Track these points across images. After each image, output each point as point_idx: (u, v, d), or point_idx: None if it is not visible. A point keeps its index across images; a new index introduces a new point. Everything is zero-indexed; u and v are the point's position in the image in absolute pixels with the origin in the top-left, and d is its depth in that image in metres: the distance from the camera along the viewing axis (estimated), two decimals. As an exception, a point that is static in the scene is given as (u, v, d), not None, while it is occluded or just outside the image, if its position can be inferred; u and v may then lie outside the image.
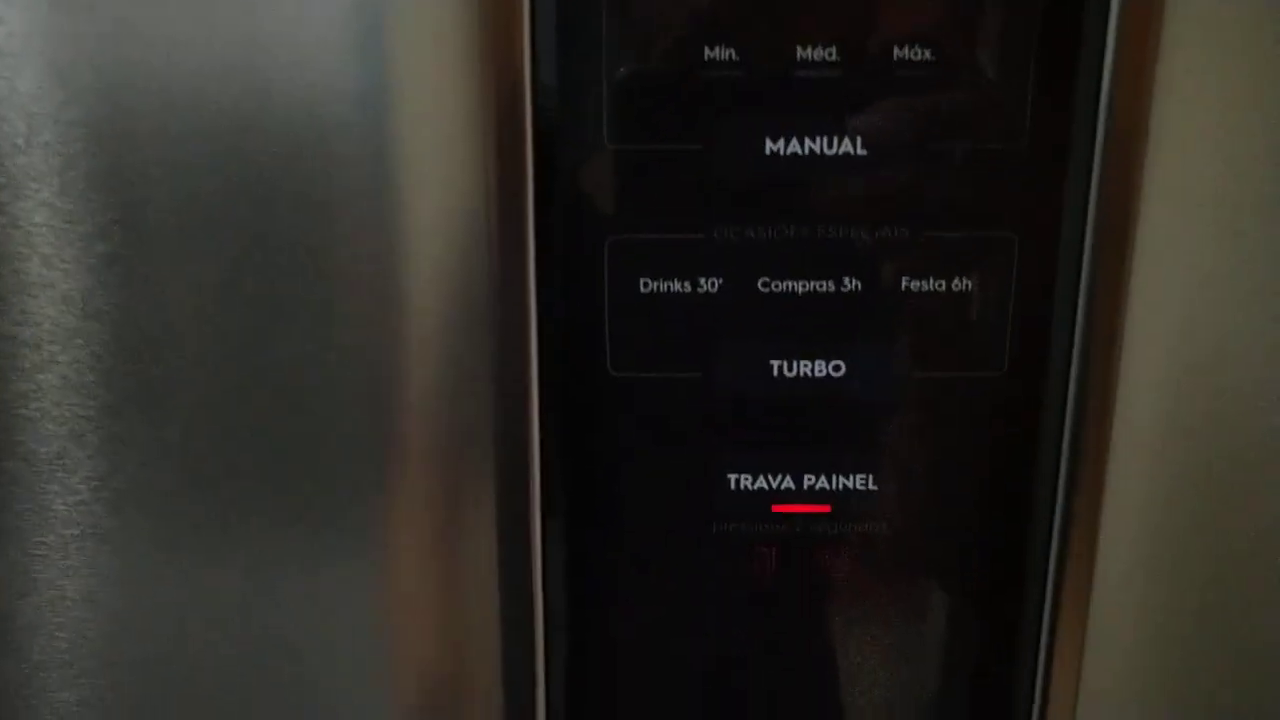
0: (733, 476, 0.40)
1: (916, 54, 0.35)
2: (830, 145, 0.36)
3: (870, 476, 0.39)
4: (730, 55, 0.35)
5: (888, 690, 0.42)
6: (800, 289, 0.38)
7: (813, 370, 0.38)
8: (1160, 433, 0.40)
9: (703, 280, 0.38)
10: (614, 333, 0.38)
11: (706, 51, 0.35)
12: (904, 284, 0.37)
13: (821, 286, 0.38)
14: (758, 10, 0.35)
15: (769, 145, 0.36)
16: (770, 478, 0.40)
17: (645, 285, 0.38)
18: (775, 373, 0.38)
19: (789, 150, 0.36)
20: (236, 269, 0.38)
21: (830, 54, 0.35)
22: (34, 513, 0.41)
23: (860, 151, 0.36)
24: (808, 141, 0.36)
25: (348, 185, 0.37)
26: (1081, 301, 0.37)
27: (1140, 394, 0.39)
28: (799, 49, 0.35)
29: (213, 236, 0.38)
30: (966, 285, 0.37)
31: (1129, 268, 0.37)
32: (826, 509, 0.40)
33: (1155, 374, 0.39)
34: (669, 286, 0.38)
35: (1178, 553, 0.41)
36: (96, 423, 0.40)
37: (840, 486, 0.39)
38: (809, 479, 0.39)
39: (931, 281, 0.37)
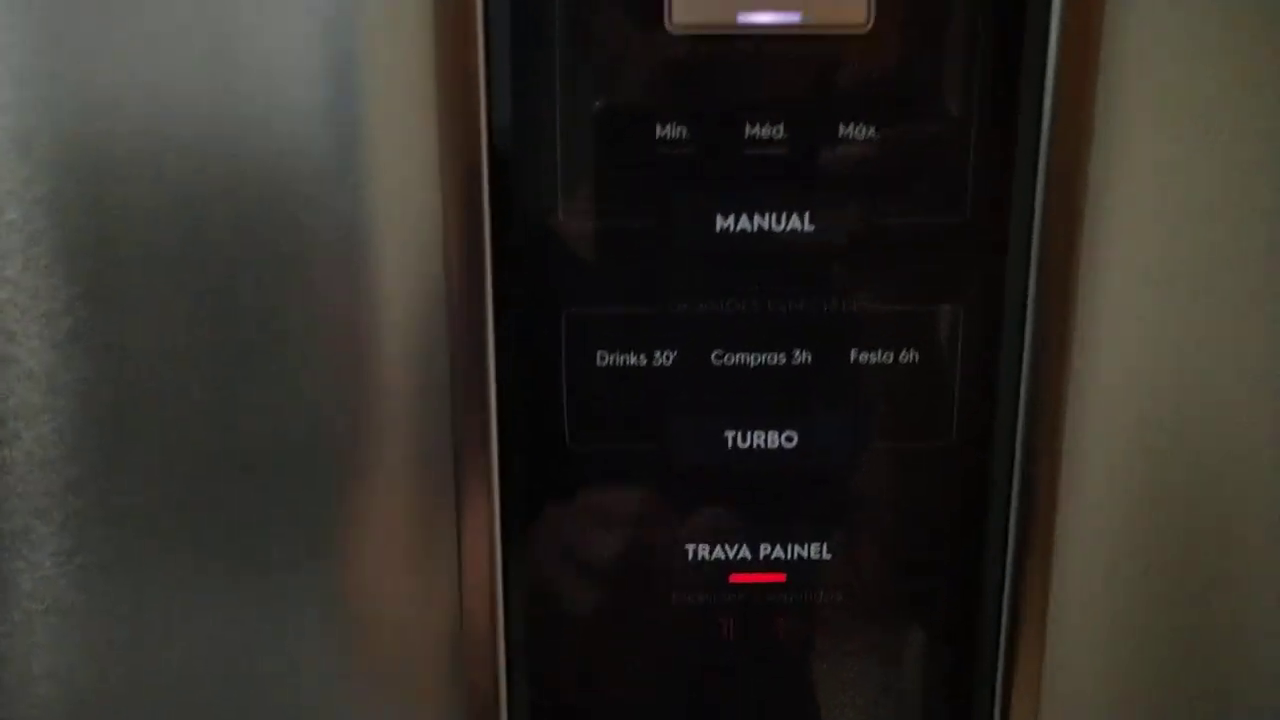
0: (690, 547, 0.40)
1: (861, 132, 0.36)
2: (779, 221, 0.37)
3: (824, 545, 0.40)
4: (681, 134, 0.36)
5: (845, 758, 0.42)
6: (753, 361, 0.38)
7: (766, 441, 0.39)
8: (1110, 498, 0.40)
9: (658, 353, 0.38)
10: (572, 405, 0.39)
11: (658, 130, 0.36)
12: (853, 356, 0.38)
13: (773, 359, 0.38)
14: (707, 90, 0.36)
15: (720, 222, 0.37)
16: (727, 548, 0.40)
17: (602, 358, 0.38)
18: (730, 444, 0.39)
19: (739, 227, 0.37)
20: (200, 339, 0.38)
21: (778, 132, 0.36)
22: (-3, 590, 0.41)
23: (808, 227, 0.37)
24: (757, 218, 0.37)
25: (314, 264, 0.38)
26: (1026, 370, 0.38)
27: (1089, 457, 0.39)
28: (748, 127, 0.36)
29: (177, 310, 0.38)
30: (914, 356, 0.38)
31: (1071, 336, 0.38)
32: (781, 578, 0.40)
33: (1103, 437, 0.39)
34: (625, 359, 0.38)
35: (1129, 619, 0.41)
36: (61, 498, 0.40)
37: (795, 556, 0.40)
38: (765, 548, 0.40)
39: (880, 353, 0.38)
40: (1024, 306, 0.37)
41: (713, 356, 0.38)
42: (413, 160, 0.37)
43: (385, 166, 0.37)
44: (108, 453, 0.39)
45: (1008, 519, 0.39)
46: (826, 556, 0.40)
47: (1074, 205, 0.37)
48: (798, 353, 0.38)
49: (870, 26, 0.35)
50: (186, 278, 0.38)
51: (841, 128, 0.36)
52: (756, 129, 0.36)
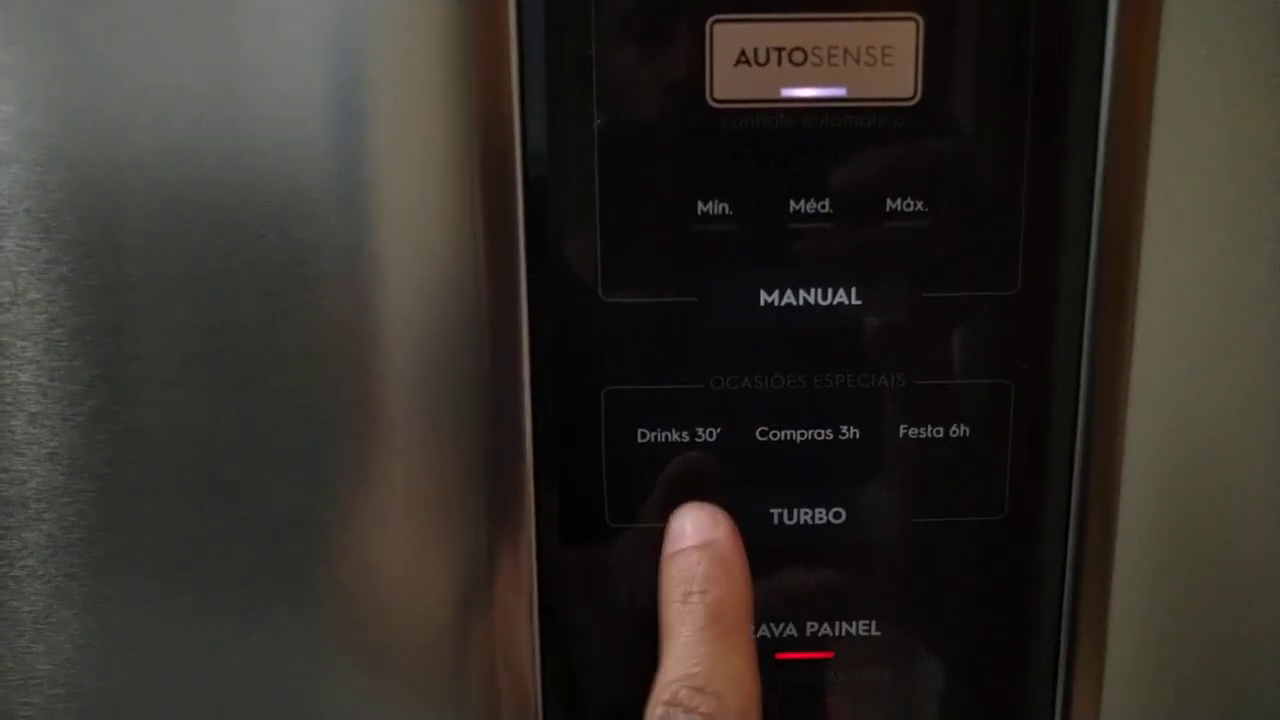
0: None
1: (908, 205, 0.36)
2: (824, 296, 0.36)
3: (873, 623, 0.39)
4: (723, 209, 0.36)
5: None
6: (799, 438, 0.38)
7: (813, 518, 0.38)
8: (1165, 575, 0.40)
9: (700, 430, 0.38)
10: (611, 483, 0.38)
11: (699, 206, 0.36)
12: (902, 431, 0.37)
13: (820, 435, 0.38)
14: (750, 165, 0.35)
15: (764, 297, 0.36)
16: (773, 626, 0.39)
17: (643, 435, 0.38)
18: (776, 521, 0.38)
19: (784, 301, 0.36)
20: (224, 419, 0.38)
21: (823, 206, 0.36)
22: (17, 672, 0.40)
23: (855, 302, 0.36)
24: (802, 293, 0.36)
25: (341, 349, 0.37)
26: (1079, 445, 0.37)
27: (1140, 536, 0.39)
28: (791, 202, 0.36)
29: (200, 388, 0.38)
30: (964, 431, 0.37)
31: (1124, 411, 0.37)
32: (829, 655, 0.39)
33: (1154, 515, 0.39)
34: (666, 436, 0.38)
35: (1185, 700, 0.41)
36: (83, 580, 0.39)
37: (843, 633, 0.39)
38: (812, 626, 0.39)
39: (929, 428, 0.37)
40: (1076, 379, 0.37)
41: (757, 433, 0.37)
42: (449, 240, 0.36)
43: (420, 260, 0.37)
44: (130, 535, 0.39)
45: (1060, 596, 0.39)
46: (875, 633, 0.39)
47: (1126, 276, 0.36)
48: (845, 429, 0.37)
49: (918, 100, 0.35)
50: (209, 357, 0.37)
51: (889, 202, 0.36)
52: (801, 204, 0.36)
